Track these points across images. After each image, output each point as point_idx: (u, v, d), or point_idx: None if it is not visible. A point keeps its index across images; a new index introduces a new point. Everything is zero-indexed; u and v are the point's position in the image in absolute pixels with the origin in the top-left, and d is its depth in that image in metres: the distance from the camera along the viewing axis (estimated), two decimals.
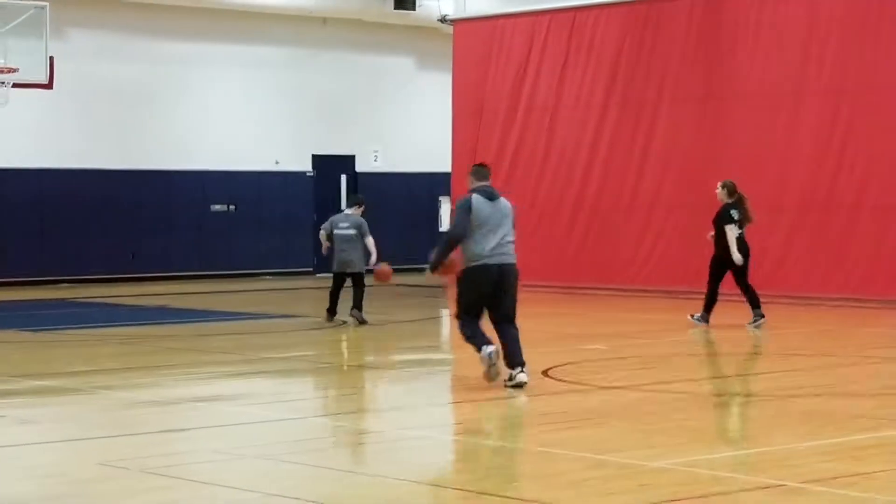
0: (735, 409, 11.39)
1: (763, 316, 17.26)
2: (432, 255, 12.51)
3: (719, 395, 12.08)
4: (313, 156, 29.36)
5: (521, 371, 12.18)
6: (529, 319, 19.73)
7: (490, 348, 12.21)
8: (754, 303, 17.37)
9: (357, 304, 18.28)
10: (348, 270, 18.29)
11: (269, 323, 19.33)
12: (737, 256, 17.12)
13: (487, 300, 12.31)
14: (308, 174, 29.31)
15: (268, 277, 28.26)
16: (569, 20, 24.91)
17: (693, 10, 23.35)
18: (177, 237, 27.77)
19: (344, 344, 17.48)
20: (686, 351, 15.95)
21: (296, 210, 28.97)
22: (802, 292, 21.20)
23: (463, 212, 12.35)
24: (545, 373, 13.25)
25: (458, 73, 26.51)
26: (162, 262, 27.48)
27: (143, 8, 27.30)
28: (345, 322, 18.27)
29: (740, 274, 17.38)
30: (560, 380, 12.88)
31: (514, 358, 12.23)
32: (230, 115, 28.28)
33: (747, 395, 11.98)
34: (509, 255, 12.45)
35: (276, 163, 28.74)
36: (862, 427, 10.41)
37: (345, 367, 15.29)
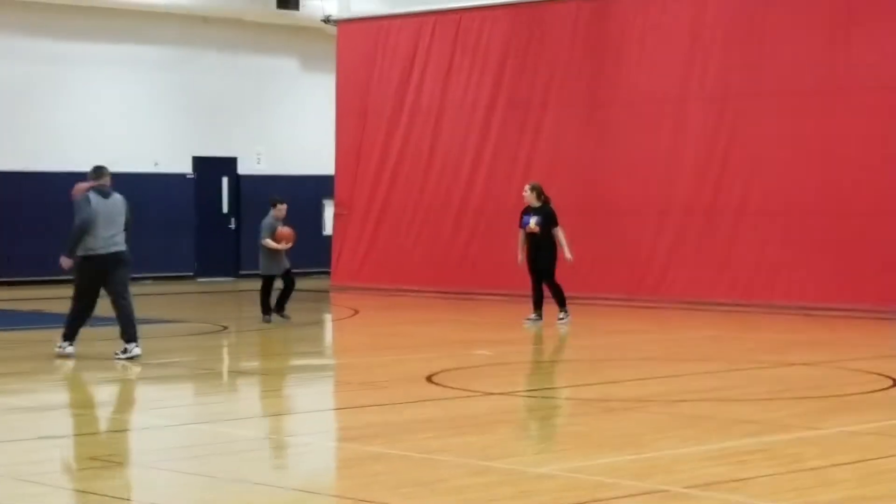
0: (620, 415, 11.32)
1: (569, 314, 18.15)
2: (69, 244, 14.27)
3: (605, 401, 12.01)
4: (194, 157, 28.93)
5: (136, 346, 14.27)
6: (414, 325, 19.68)
7: (69, 349, 14.46)
8: (563, 301, 18.30)
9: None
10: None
11: (149, 328, 18.92)
12: (569, 256, 18.14)
13: (98, 284, 14.33)
14: (188, 176, 28.88)
15: (148, 282, 27.78)
16: (454, 22, 24.82)
17: (579, 15, 23.37)
18: (54, 240, 27.14)
19: (225, 350, 17.18)
20: (571, 356, 15.91)
21: (176, 213, 28.52)
22: (688, 297, 21.31)
23: (85, 204, 14.21)
24: (429, 378, 13.10)
25: (343, 74, 26.30)
26: (38, 266, 26.85)
27: (19, 6, 26.71)
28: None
29: (550, 274, 18.27)
30: (444, 386, 12.74)
31: (127, 333, 14.28)
32: (108, 116, 27.76)
33: (633, 401, 11.92)
34: (119, 245, 14.37)
35: (156, 164, 28.26)
36: (746, 432, 10.39)
37: (225, 373, 15.01)
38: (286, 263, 18.74)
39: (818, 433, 10.34)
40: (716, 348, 16.58)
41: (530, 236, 18.29)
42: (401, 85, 25.32)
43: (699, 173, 21.84)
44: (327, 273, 26.42)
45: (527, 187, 18.65)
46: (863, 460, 9.19)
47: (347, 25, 26.53)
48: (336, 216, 26.35)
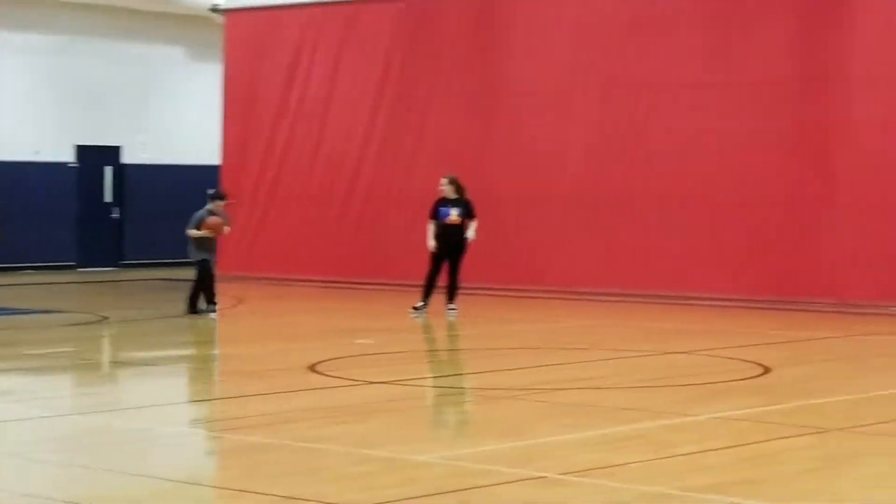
0: (501, 403, 11.46)
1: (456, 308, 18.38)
2: None
3: (486, 390, 12.15)
4: (76, 146, 28.59)
5: None
6: (298, 314, 19.69)
7: None
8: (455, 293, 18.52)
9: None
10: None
11: (28, 319, 18.74)
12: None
13: None
14: (70, 165, 28.54)
15: (29, 271, 27.41)
16: (343, 14, 24.79)
17: (467, 8, 23.47)
18: None
19: (105, 340, 17.05)
20: (454, 346, 16.03)
21: (57, 202, 28.13)
22: (571, 287, 21.55)
23: None
24: (312, 368, 13.14)
25: (230, 63, 26.15)
26: None
27: None
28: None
29: (460, 264, 18.56)
30: (327, 375, 12.78)
31: None
32: None
33: (514, 389, 12.07)
34: None
35: (37, 153, 27.88)
36: (623, 419, 10.59)
37: (105, 364, 14.90)
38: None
39: (692, 420, 10.57)
40: (596, 337, 16.80)
41: (448, 226, 18.42)
42: (289, 75, 25.24)
43: (583, 164, 22.07)
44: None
45: (444, 180, 18.75)
46: (735, 446, 9.41)
47: (235, 15, 26.37)
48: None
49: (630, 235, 21.50)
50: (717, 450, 9.29)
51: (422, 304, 18.47)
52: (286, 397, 11.66)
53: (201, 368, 14.55)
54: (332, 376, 12.70)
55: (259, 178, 25.48)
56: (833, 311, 19.27)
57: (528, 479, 8.29)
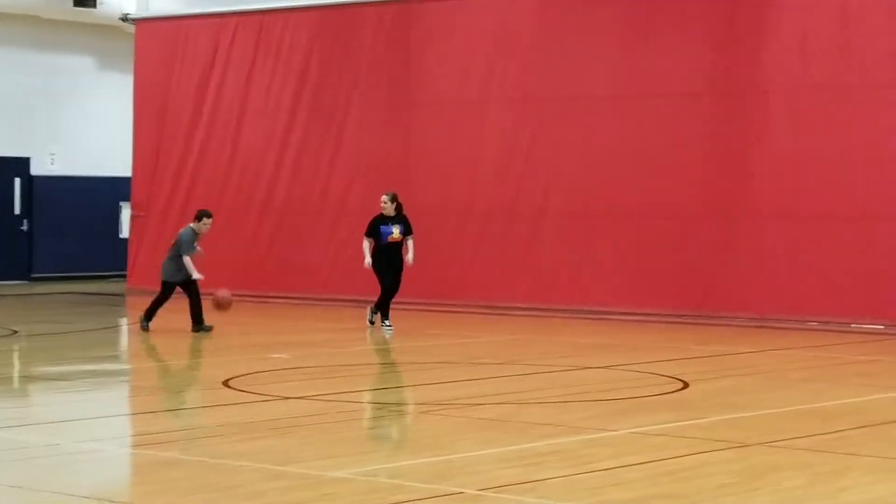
0: (419, 418, 11.35)
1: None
2: None
3: (403, 405, 12.03)
4: None
5: None
6: (212, 328, 19.43)
7: None
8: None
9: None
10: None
11: None
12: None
13: None
14: None
15: None
16: (256, 23, 24.61)
17: (383, 17, 23.40)
18: None
19: (15, 354, 16.72)
20: (371, 360, 15.89)
21: None
22: (489, 301, 21.49)
23: None
24: (226, 383, 12.95)
25: (141, 73, 25.85)
26: None
27: None
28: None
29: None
30: (241, 390, 12.60)
31: None
32: None
33: (432, 404, 11.96)
34: None
35: None
36: (541, 434, 10.51)
37: (15, 378, 14.60)
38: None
39: (611, 434, 10.51)
40: (514, 351, 16.74)
41: (389, 245, 18.11)
42: (201, 86, 25.00)
43: (500, 176, 22.05)
44: (124, 276, 25.93)
45: (385, 197, 18.35)
46: (654, 460, 9.37)
47: (146, 24, 26.09)
48: (133, 218, 25.89)
49: (548, 249, 21.48)
50: (636, 464, 9.24)
51: (389, 322, 18.16)
52: (200, 413, 11.47)
53: (114, 383, 14.28)
54: (246, 391, 12.51)
55: (172, 189, 25.19)
56: (751, 326, 19.37)
57: (444, 496, 8.18)
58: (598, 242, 21.05)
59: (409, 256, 18.16)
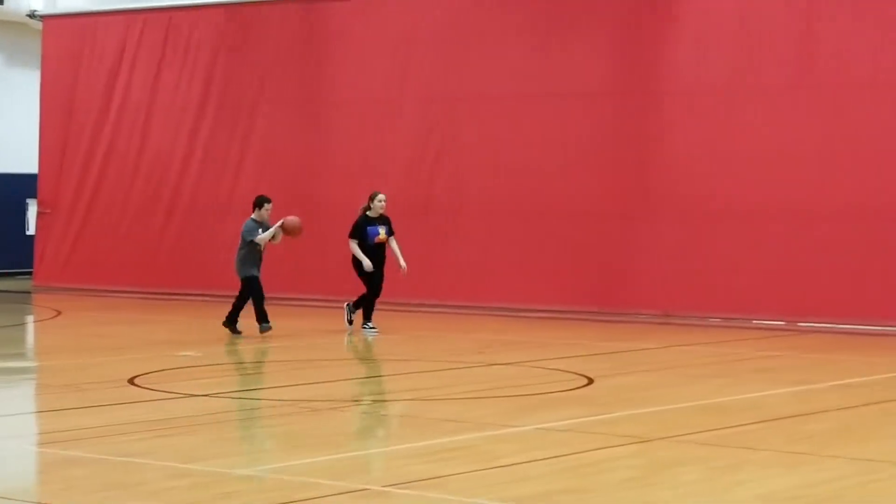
0: (324, 415, 11.37)
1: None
2: None
3: (309, 401, 12.04)
4: None
5: None
6: (119, 326, 19.33)
7: None
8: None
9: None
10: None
11: None
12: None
13: None
14: None
15: None
16: (164, 20, 24.47)
17: (290, 16, 23.37)
18: None
19: None
20: (277, 358, 15.87)
21: None
22: (398, 297, 21.50)
23: None
24: (131, 381, 12.90)
25: (48, 70, 25.61)
26: None
27: None
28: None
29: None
30: (147, 388, 12.55)
31: None
32: None
33: (337, 401, 12.00)
34: None
35: None
36: (446, 430, 10.58)
37: None
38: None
39: (517, 430, 10.61)
40: (419, 348, 16.80)
41: (376, 246, 17.58)
42: (109, 83, 24.82)
43: (412, 174, 22.11)
44: (30, 273, 25.68)
45: (383, 196, 17.77)
46: (559, 456, 9.47)
47: (53, 21, 25.85)
48: (39, 215, 25.64)
49: (455, 247, 21.59)
50: (541, 460, 9.34)
51: (372, 323, 17.70)
52: (105, 411, 11.42)
53: (18, 381, 14.16)
54: (152, 389, 12.47)
55: (79, 186, 24.98)
56: (655, 323, 19.60)
57: (350, 492, 8.22)
58: (505, 240, 21.19)
59: (403, 263, 17.64)
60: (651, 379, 13.97)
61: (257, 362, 15.00)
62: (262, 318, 17.05)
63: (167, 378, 13.38)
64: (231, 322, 17.21)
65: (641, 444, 9.98)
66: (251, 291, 17.11)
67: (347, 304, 17.93)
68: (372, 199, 17.82)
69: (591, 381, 13.33)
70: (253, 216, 17.43)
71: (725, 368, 14.98)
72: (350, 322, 17.82)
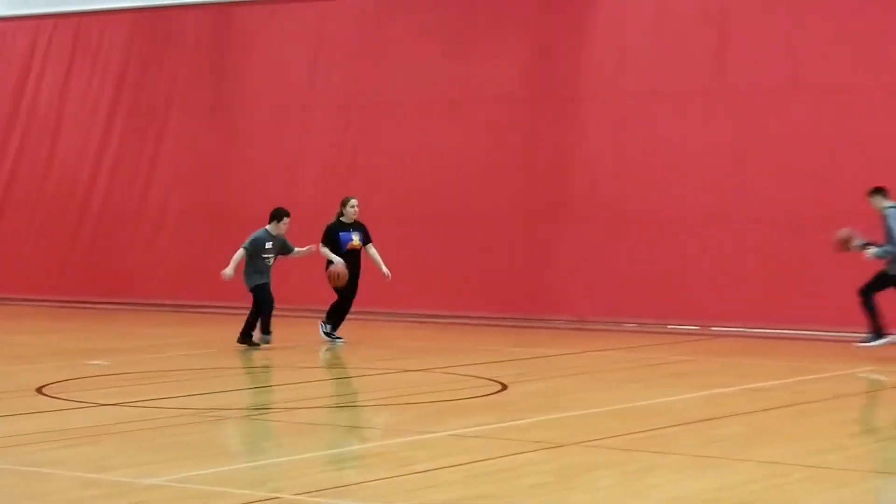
0: (236, 423, 11.27)
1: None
2: None
3: (220, 410, 11.93)
4: None
5: None
6: (27, 335, 19.06)
7: None
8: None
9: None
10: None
11: None
12: (387, 272, 17.25)
13: None
14: None
15: None
16: (73, 26, 24.20)
17: (202, 21, 23.20)
18: None
19: None
20: (188, 366, 15.72)
21: None
22: (311, 304, 21.39)
23: None
24: (39, 390, 12.71)
25: None
26: None
27: None
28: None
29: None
30: (55, 397, 12.38)
31: None
32: None
33: (249, 409, 11.90)
34: None
35: None
36: (361, 437, 10.55)
37: None
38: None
39: (430, 437, 10.57)
40: (333, 355, 16.72)
41: (349, 252, 17.12)
42: (17, 89, 24.52)
43: (324, 180, 22.02)
44: None
45: (355, 201, 17.35)
46: (471, 462, 9.45)
47: None
48: None
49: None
50: (454, 466, 9.31)
51: (334, 333, 17.34)
52: (12, 420, 11.24)
53: None
54: (61, 398, 12.30)
55: None
56: (570, 329, 19.66)
57: (260, 501, 8.14)
58: (420, 246, 21.14)
59: (386, 270, 17.25)
60: (565, 384, 14.00)
61: (167, 371, 14.83)
62: (265, 328, 16.68)
63: (77, 387, 13.21)
64: (246, 336, 16.71)
65: (554, 449, 9.99)
66: (260, 300, 16.70)
67: (323, 322, 17.37)
68: (344, 204, 17.37)
69: (505, 387, 13.33)
70: (268, 227, 16.86)
71: (639, 373, 15.04)
72: (328, 335, 17.30)
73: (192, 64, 23.20)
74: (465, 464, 9.38)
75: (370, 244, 17.44)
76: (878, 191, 16.08)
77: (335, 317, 17.45)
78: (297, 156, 22.30)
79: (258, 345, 16.67)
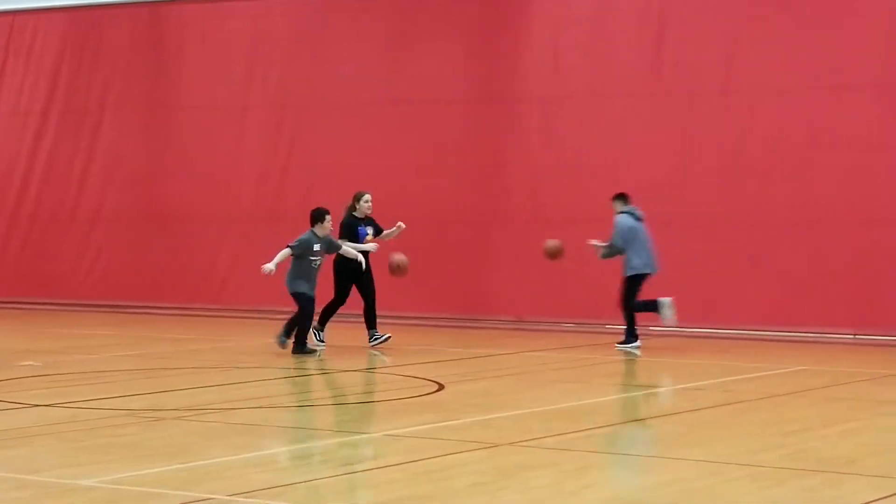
0: (171, 424, 11.16)
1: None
2: None
3: (155, 410, 11.82)
4: None
5: None
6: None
7: None
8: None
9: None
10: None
11: None
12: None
13: None
14: None
15: None
16: (6, 24, 23.97)
17: (137, 20, 23.03)
18: None
19: None
20: (124, 366, 15.58)
21: None
22: (251, 304, 21.31)
23: None
24: None
25: None
26: None
27: None
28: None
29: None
30: None
31: None
32: None
33: (185, 410, 11.79)
34: None
35: None
36: (296, 438, 10.49)
37: None
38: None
39: (367, 437, 10.54)
40: (270, 355, 16.61)
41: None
42: None
43: (261, 181, 21.94)
44: None
45: (369, 196, 17.01)
46: (407, 462, 9.42)
47: None
48: None
49: None
50: (390, 466, 9.28)
51: (320, 338, 16.88)
52: None
53: None
54: None
55: None
56: (509, 329, 19.68)
57: (195, 502, 8.06)
58: None
59: (399, 224, 17.00)
60: (502, 384, 13.99)
61: (100, 372, 14.69)
62: (288, 332, 16.24)
63: (8, 388, 13.05)
64: (300, 344, 16.22)
65: (490, 448, 9.97)
66: (301, 309, 16.27)
67: (313, 328, 16.82)
68: (357, 199, 17.04)
69: (441, 386, 13.30)
70: (314, 229, 16.38)
71: (576, 373, 15.07)
72: (321, 341, 16.92)
73: (127, 63, 23.03)
74: (402, 464, 9.34)
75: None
76: (619, 197, 16.93)
77: (326, 315, 17.05)
78: (233, 157, 22.18)
79: (314, 351, 16.32)
